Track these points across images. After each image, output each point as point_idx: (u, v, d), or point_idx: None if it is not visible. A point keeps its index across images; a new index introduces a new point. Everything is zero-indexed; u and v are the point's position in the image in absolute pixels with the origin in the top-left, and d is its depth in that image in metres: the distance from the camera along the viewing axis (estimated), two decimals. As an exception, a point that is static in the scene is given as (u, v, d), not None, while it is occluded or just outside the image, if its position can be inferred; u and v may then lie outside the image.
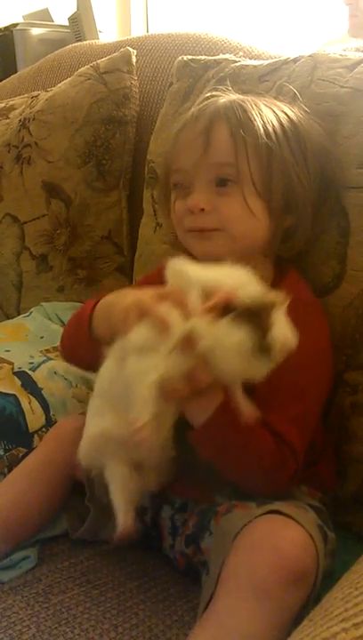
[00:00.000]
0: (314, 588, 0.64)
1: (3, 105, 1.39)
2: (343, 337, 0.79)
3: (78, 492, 0.82)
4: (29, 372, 0.96)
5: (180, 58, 1.07)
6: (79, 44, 1.53)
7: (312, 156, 0.77)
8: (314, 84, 0.85)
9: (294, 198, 0.76)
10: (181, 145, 0.79)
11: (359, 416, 0.79)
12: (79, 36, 1.86)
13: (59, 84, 1.29)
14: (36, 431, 0.90)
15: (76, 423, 0.80)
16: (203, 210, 0.75)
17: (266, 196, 0.75)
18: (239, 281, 0.62)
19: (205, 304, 0.61)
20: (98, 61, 1.23)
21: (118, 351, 0.66)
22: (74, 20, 1.88)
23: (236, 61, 0.99)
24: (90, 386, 0.95)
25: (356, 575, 0.50)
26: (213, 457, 0.69)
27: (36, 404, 0.92)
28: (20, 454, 0.87)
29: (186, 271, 0.65)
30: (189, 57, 1.06)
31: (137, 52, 1.21)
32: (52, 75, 1.45)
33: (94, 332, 0.74)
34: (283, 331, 0.60)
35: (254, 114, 0.75)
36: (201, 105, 0.79)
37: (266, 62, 0.95)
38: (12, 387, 0.93)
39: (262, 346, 0.59)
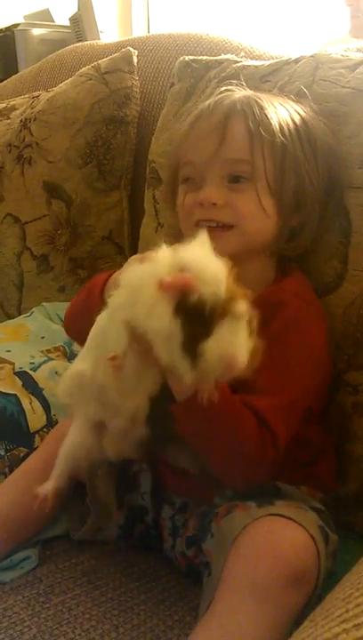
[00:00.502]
0: (315, 589, 0.64)
1: (4, 105, 1.40)
2: (345, 337, 0.79)
3: (79, 492, 0.81)
4: (30, 373, 0.96)
5: (181, 58, 1.07)
6: (80, 44, 1.53)
7: (321, 156, 0.77)
8: (316, 84, 0.85)
9: (304, 197, 0.76)
10: (195, 137, 0.77)
11: (361, 416, 0.79)
12: (80, 37, 1.86)
13: (60, 85, 1.29)
14: (37, 431, 0.90)
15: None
16: (215, 204, 0.74)
17: (278, 194, 0.74)
18: (209, 274, 0.57)
19: (162, 282, 0.57)
20: (99, 61, 1.23)
21: (108, 306, 0.65)
22: (75, 20, 1.88)
23: (237, 62, 0.99)
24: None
25: (357, 576, 0.50)
26: (192, 434, 0.67)
27: (37, 404, 0.92)
28: (22, 454, 0.87)
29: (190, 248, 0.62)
30: (191, 57, 1.06)
31: (138, 53, 1.21)
32: (53, 75, 1.45)
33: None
34: (225, 342, 0.56)
35: (271, 111, 0.75)
36: (217, 97, 0.78)
37: (267, 63, 0.95)
38: (13, 387, 0.93)
39: (191, 349, 0.55)
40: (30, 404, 0.91)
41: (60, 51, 1.51)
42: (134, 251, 1.15)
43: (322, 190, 0.77)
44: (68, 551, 0.81)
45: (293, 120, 0.76)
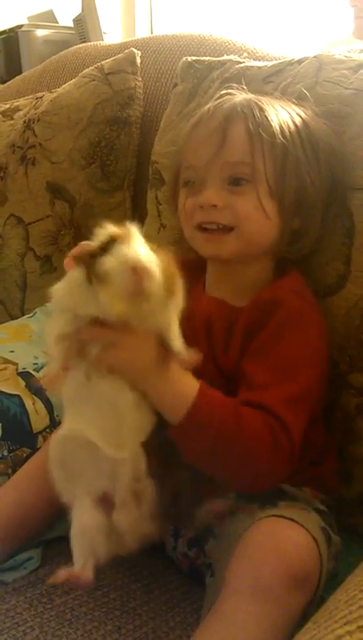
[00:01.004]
0: (317, 591, 0.63)
1: (7, 106, 1.40)
2: (348, 338, 0.79)
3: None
4: (33, 373, 0.96)
5: (184, 59, 1.07)
6: (84, 45, 1.53)
7: (324, 157, 0.76)
8: (319, 85, 0.85)
9: (306, 199, 0.75)
10: (195, 141, 0.77)
11: (364, 418, 0.79)
12: (84, 38, 1.86)
13: (63, 85, 1.29)
14: (41, 432, 0.90)
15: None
16: (215, 207, 0.73)
17: (279, 196, 0.74)
18: (100, 233, 0.61)
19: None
20: (102, 62, 1.24)
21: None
22: (78, 21, 1.88)
23: (240, 62, 0.99)
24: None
25: (361, 578, 0.50)
26: (198, 455, 0.65)
27: (40, 404, 0.92)
28: (25, 455, 0.87)
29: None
30: (194, 58, 1.06)
31: (141, 53, 1.21)
32: (57, 76, 1.46)
33: None
34: (120, 254, 0.57)
35: (271, 113, 0.75)
36: (217, 101, 0.78)
37: (270, 63, 0.95)
38: (17, 387, 0.93)
39: (94, 274, 0.57)
40: (33, 404, 0.91)
41: (63, 52, 1.52)
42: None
43: (325, 192, 0.77)
44: (70, 552, 0.81)
45: (294, 122, 0.76)
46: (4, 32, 1.98)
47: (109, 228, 0.60)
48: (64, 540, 0.81)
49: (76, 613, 0.71)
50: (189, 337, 0.65)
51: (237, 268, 0.77)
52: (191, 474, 0.66)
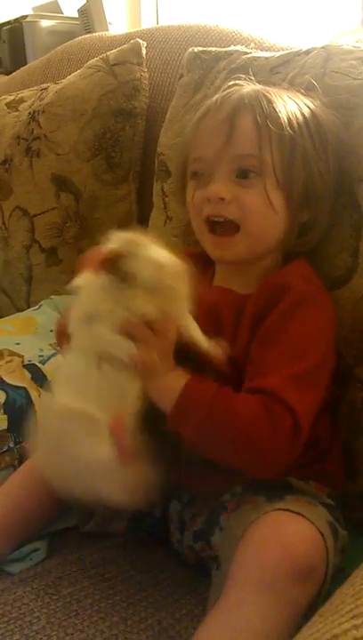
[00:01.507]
0: (324, 584, 0.63)
1: (12, 97, 1.39)
2: (354, 330, 0.78)
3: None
4: (39, 365, 0.96)
5: (190, 49, 1.06)
6: (89, 35, 1.52)
7: (332, 149, 0.76)
8: (327, 76, 0.84)
9: (314, 192, 0.75)
10: (203, 133, 0.77)
11: (371, 411, 0.78)
12: (89, 28, 1.85)
13: (68, 77, 1.29)
14: (46, 424, 0.90)
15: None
16: (223, 200, 0.73)
17: (287, 188, 0.74)
18: (122, 237, 0.64)
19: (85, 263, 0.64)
20: (107, 53, 1.23)
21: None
22: (83, 11, 1.87)
23: (247, 53, 0.98)
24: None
25: (367, 571, 0.50)
26: (195, 438, 0.66)
27: (45, 396, 0.92)
28: (31, 447, 0.88)
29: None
30: (200, 48, 1.05)
31: (147, 44, 1.20)
32: (62, 67, 1.45)
33: None
34: (142, 256, 0.61)
35: (279, 105, 0.74)
36: (224, 93, 0.78)
37: (278, 54, 0.94)
38: (23, 379, 0.93)
39: (121, 276, 0.61)
40: (39, 396, 0.91)
41: (68, 42, 1.51)
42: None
43: (332, 183, 0.77)
44: (76, 543, 0.81)
45: (302, 113, 0.75)
46: (8, 22, 1.96)
47: (122, 235, 0.64)
48: (70, 532, 0.82)
49: (82, 604, 0.71)
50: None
51: (245, 265, 0.77)
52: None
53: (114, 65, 1.19)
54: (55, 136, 1.23)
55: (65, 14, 2.05)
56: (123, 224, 1.19)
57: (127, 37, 1.30)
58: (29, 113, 1.28)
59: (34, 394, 0.91)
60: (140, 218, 1.19)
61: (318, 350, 0.70)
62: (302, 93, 0.79)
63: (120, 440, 0.63)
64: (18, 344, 1.02)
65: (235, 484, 0.72)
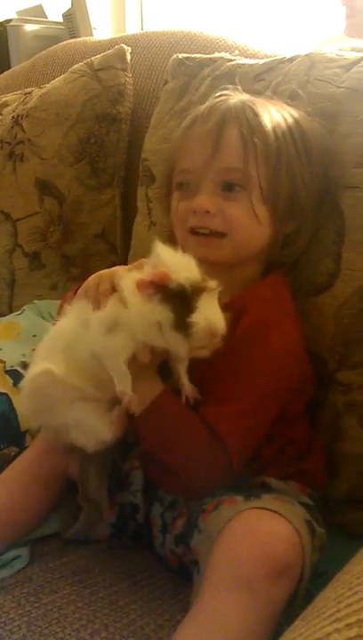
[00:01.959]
0: (301, 583, 0.64)
1: (-4, 101, 1.39)
2: (337, 336, 0.79)
3: (71, 491, 0.81)
4: (21, 371, 0.95)
5: (174, 56, 1.07)
6: (73, 40, 1.52)
7: (316, 159, 0.77)
8: (310, 83, 0.85)
9: (299, 203, 0.76)
10: (189, 144, 0.77)
11: (352, 415, 0.79)
12: (73, 33, 1.85)
13: (52, 81, 1.29)
14: (28, 430, 0.89)
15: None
16: (208, 212, 0.74)
17: (272, 202, 0.75)
18: (181, 265, 0.66)
19: (139, 281, 0.65)
20: (92, 58, 1.23)
21: (83, 314, 0.71)
22: (68, 16, 1.87)
23: (231, 60, 0.99)
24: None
25: (349, 575, 0.50)
26: (150, 443, 0.72)
27: (28, 402, 0.91)
28: (12, 453, 0.87)
29: (154, 252, 0.69)
30: (184, 55, 1.06)
31: (131, 50, 1.20)
32: (46, 71, 1.45)
33: None
34: (208, 314, 0.65)
35: (265, 117, 0.75)
36: (211, 103, 0.78)
37: (262, 61, 0.95)
38: (4, 385, 0.92)
39: (183, 324, 0.64)
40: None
41: (52, 47, 1.50)
42: (126, 249, 1.15)
43: (317, 194, 0.78)
44: (58, 550, 0.80)
45: (287, 125, 0.76)
46: (-8, 26, 1.96)
47: (193, 269, 0.66)
48: (53, 539, 0.82)
49: (64, 612, 0.71)
50: None
51: (225, 270, 0.78)
52: None
53: (98, 70, 1.20)
54: (39, 140, 1.22)
55: (49, 19, 2.05)
56: (107, 229, 1.19)
57: (112, 43, 1.30)
58: (13, 117, 1.28)
59: (15, 400, 0.90)
60: (124, 223, 1.19)
61: (271, 380, 0.72)
62: (286, 102, 0.80)
63: (118, 428, 0.70)
64: (0, 349, 1.01)
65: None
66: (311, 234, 0.79)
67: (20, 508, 0.79)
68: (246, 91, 0.82)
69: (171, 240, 0.96)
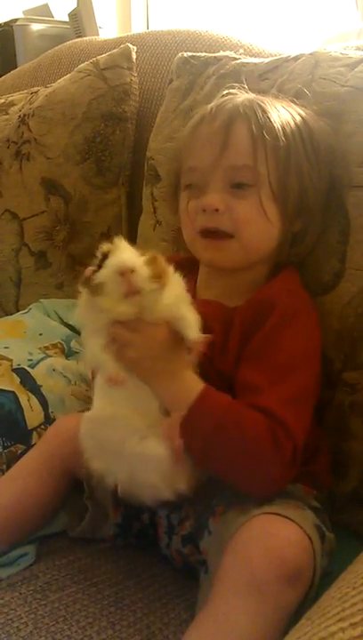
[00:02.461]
0: (311, 588, 0.64)
1: (2, 101, 1.39)
2: (342, 335, 0.79)
3: (77, 489, 0.82)
4: (28, 369, 0.96)
5: (180, 55, 1.07)
6: (79, 40, 1.52)
7: (324, 158, 0.77)
8: (315, 82, 0.85)
9: (307, 202, 0.76)
10: (197, 142, 0.77)
11: (359, 415, 0.79)
12: (79, 32, 1.85)
13: (58, 80, 1.29)
14: (35, 428, 0.90)
15: (76, 421, 0.79)
16: (217, 210, 0.73)
17: (282, 200, 0.74)
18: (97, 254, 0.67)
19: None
20: (98, 57, 1.23)
21: None
22: (74, 15, 1.87)
23: (236, 59, 0.99)
24: (88, 384, 0.95)
25: (353, 575, 0.50)
26: (201, 450, 0.67)
27: (34, 401, 0.92)
28: (19, 451, 0.87)
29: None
30: (190, 54, 1.06)
31: (137, 49, 1.20)
32: (52, 71, 1.45)
33: None
34: (111, 262, 0.64)
35: (274, 115, 0.74)
36: (219, 101, 0.78)
37: (267, 60, 0.95)
38: (11, 384, 0.92)
39: (94, 285, 0.64)
40: (28, 400, 0.91)
41: (58, 46, 1.51)
42: (132, 248, 1.15)
43: (324, 192, 0.77)
44: (65, 548, 0.81)
45: (296, 123, 0.76)
46: (-1, 26, 1.96)
47: (103, 246, 0.67)
48: (59, 537, 0.82)
49: (70, 610, 0.71)
50: None
51: (233, 274, 0.78)
52: None
53: (104, 69, 1.20)
54: (45, 140, 1.23)
55: (56, 18, 2.05)
56: (112, 228, 1.19)
57: (118, 42, 1.30)
58: (19, 116, 1.28)
59: (23, 398, 0.91)
60: (129, 222, 1.19)
61: (310, 365, 0.71)
62: (293, 102, 0.80)
63: (173, 439, 0.66)
64: (7, 348, 1.01)
65: (223, 487, 0.73)
66: (318, 233, 0.79)
67: (26, 506, 0.79)
68: (251, 90, 0.82)
69: (176, 240, 0.97)
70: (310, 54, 0.89)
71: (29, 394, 0.92)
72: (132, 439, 0.68)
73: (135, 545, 0.80)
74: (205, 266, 0.81)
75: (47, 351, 1.03)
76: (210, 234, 0.75)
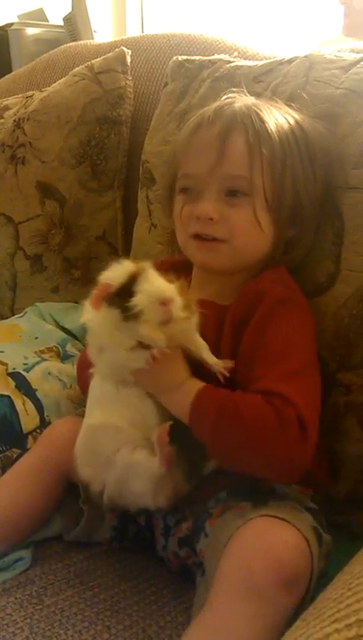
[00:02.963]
0: (308, 591, 0.64)
1: (-3, 105, 1.39)
2: (337, 337, 0.79)
3: (73, 493, 0.81)
4: (23, 373, 0.95)
5: (174, 58, 1.07)
6: (74, 43, 1.52)
7: (319, 163, 0.77)
8: (309, 85, 0.85)
9: (301, 210, 0.76)
10: (194, 149, 0.77)
11: (353, 416, 0.79)
12: (74, 36, 1.85)
13: (53, 84, 1.29)
14: (31, 432, 0.90)
15: (71, 424, 0.80)
16: (211, 219, 0.74)
17: (276, 209, 0.75)
18: (118, 271, 0.69)
19: (90, 301, 0.68)
20: (93, 61, 1.23)
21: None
22: (69, 19, 1.87)
23: (230, 62, 0.99)
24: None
25: (349, 575, 0.50)
26: (211, 436, 0.67)
27: (30, 405, 0.91)
28: (15, 455, 0.87)
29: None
30: (184, 57, 1.06)
31: (132, 52, 1.21)
32: (47, 75, 1.45)
33: None
34: (146, 289, 0.65)
35: (271, 124, 0.75)
36: (217, 107, 0.78)
37: (261, 63, 0.95)
38: (6, 388, 0.92)
39: (128, 310, 0.65)
40: (23, 404, 0.91)
41: (53, 50, 1.51)
42: (128, 251, 1.15)
43: (319, 198, 0.78)
44: (61, 552, 0.81)
45: (292, 130, 0.76)
46: (-7, 30, 1.96)
47: (127, 266, 0.68)
48: (55, 541, 0.82)
49: (66, 614, 0.71)
50: None
51: (223, 276, 0.78)
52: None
53: (99, 73, 1.20)
54: (40, 143, 1.23)
55: (50, 22, 2.05)
56: (108, 231, 1.19)
57: (112, 46, 1.30)
58: (14, 120, 1.28)
59: (18, 402, 0.90)
60: (125, 225, 1.19)
61: (304, 348, 0.71)
62: (290, 106, 0.80)
63: (163, 446, 0.68)
64: (2, 352, 1.01)
65: (220, 489, 0.72)
66: (313, 238, 0.79)
67: (22, 509, 0.79)
68: (248, 92, 0.82)
69: (172, 242, 0.97)
70: (305, 57, 0.89)
71: (24, 398, 0.92)
72: (125, 448, 0.70)
73: (131, 548, 0.80)
74: (198, 268, 0.81)
75: (43, 355, 1.03)
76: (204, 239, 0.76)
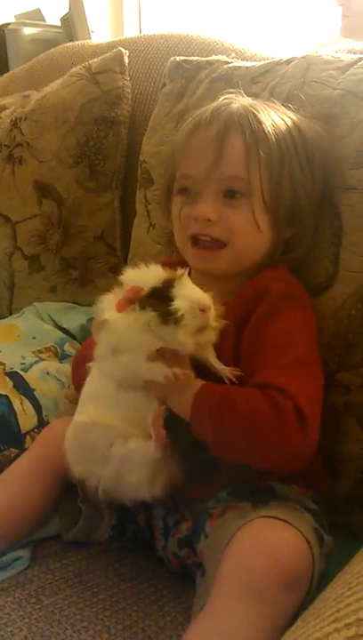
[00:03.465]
0: (309, 592, 0.64)
1: (-6, 104, 1.39)
2: (336, 337, 0.79)
3: (71, 492, 0.81)
4: (21, 373, 0.95)
5: (172, 59, 1.07)
6: (71, 44, 1.52)
7: (317, 163, 0.77)
8: (307, 85, 0.86)
9: (300, 211, 0.76)
10: (192, 150, 0.77)
11: (352, 416, 0.79)
12: (71, 37, 1.85)
13: (50, 84, 1.29)
14: (29, 432, 0.90)
15: (69, 424, 0.80)
16: (209, 220, 0.74)
17: (273, 210, 0.75)
18: (146, 274, 0.69)
19: (117, 303, 0.68)
20: (90, 62, 1.23)
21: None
22: (66, 20, 1.87)
23: (228, 62, 0.99)
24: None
25: (349, 575, 0.51)
26: (212, 430, 0.67)
27: (28, 404, 0.91)
28: (12, 455, 0.87)
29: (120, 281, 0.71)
30: (182, 58, 1.06)
31: (129, 53, 1.21)
32: (44, 75, 1.45)
33: None
34: (186, 294, 0.66)
35: (268, 125, 0.75)
36: (214, 107, 0.78)
37: (259, 64, 0.95)
38: (4, 387, 0.92)
39: (168, 314, 0.65)
40: (21, 404, 0.91)
41: (50, 50, 1.51)
42: (126, 251, 1.15)
43: (317, 200, 0.78)
44: (59, 552, 0.81)
45: (290, 132, 0.76)
46: (-9, 30, 1.96)
47: (157, 271, 0.69)
48: (53, 541, 0.82)
49: (65, 613, 0.71)
50: None
51: (223, 279, 0.78)
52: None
53: (96, 73, 1.20)
54: (37, 143, 1.23)
55: (48, 22, 2.05)
56: (106, 231, 1.19)
57: (110, 46, 1.30)
58: (11, 120, 1.28)
59: (16, 402, 0.90)
60: (123, 225, 1.19)
61: (305, 342, 0.71)
62: (288, 107, 0.80)
63: (158, 428, 0.68)
64: None
65: (220, 489, 0.73)
66: (312, 237, 0.79)
67: (20, 509, 0.79)
68: (246, 94, 0.82)
69: (170, 242, 0.97)
70: (302, 57, 0.90)
71: (22, 397, 0.92)
72: (118, 442, 0.70)
73: (130, 548, 0.80)
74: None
75: (40, 355, 1.03)
76: (201, 243, 0.76)
